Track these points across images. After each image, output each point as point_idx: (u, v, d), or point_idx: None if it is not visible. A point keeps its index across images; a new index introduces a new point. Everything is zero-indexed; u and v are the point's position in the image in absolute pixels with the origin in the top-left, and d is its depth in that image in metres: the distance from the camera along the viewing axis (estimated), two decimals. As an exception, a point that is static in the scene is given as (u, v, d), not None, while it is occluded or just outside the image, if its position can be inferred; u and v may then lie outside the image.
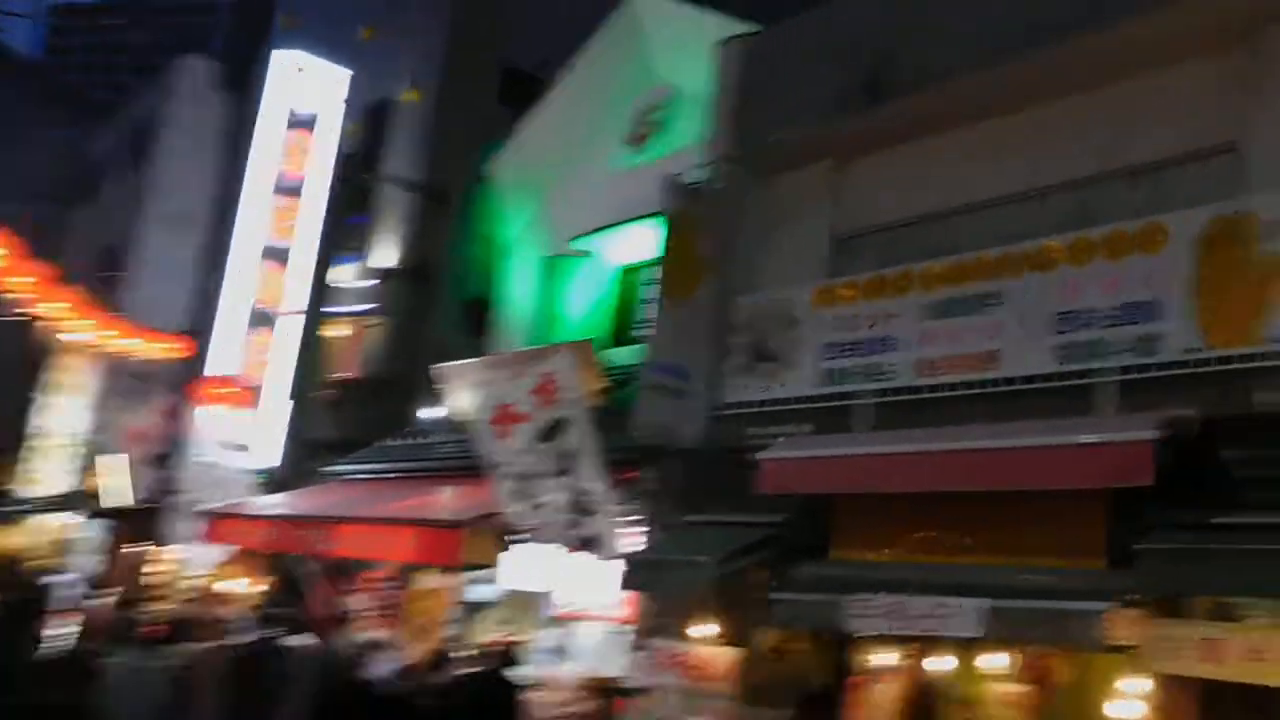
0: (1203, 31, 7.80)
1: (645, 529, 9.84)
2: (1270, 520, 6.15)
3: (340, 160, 17.21)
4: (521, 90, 17.24)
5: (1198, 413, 6.64)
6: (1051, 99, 8.68)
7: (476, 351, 14.97)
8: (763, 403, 9.45)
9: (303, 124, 17.64)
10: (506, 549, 9.99)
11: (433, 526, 10.06)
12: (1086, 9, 8.19)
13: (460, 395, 13.20)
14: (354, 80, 18.58)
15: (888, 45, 9.63)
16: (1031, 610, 6.73)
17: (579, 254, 14.21)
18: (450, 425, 13.53)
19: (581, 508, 9.55)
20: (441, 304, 16.32)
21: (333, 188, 16.85)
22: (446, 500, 11.25)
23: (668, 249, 10.04)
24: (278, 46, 19.06)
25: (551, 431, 9.80)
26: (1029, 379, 7.71)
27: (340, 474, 14.17)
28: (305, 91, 17.94)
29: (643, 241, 13.42)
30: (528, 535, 9.60)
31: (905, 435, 8.02)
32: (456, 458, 12.55)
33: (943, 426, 7.97)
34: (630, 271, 13.94)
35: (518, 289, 15.35)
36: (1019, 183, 8.86)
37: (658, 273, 12.41)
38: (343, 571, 13.75)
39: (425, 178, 17.20)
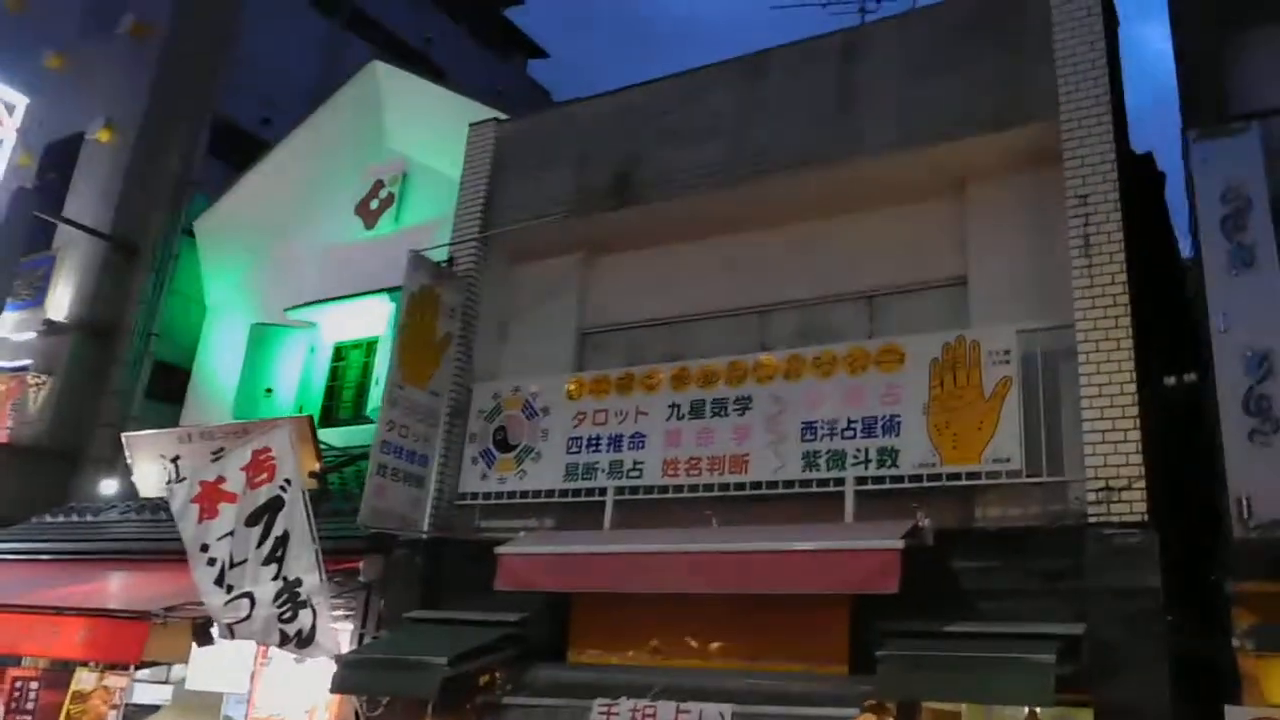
0: (921, 180, 8.57)
1: (364, 625, 9.10)
2: (993, 630, 6.56)
3: (16, 194, 15.20)
4: (238, 145, 16.20)
5: (933, 525, 7.03)
6: (789, 223, 9.20)
7: (168, 421, 13.53)
8: (502, 494, 9.11)
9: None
10: (202, 643, 8.84)
11: (112, 617, 8.72)
12: (817, 146, 8.80)
13: (149, 468, 11.82)
14: (37, 110, 16.68)
15: (634, 149, 9.85)
16: (775, 716, 6.74)
17: (294, 325, 13.26)
18: (131, 501, 12.04)
19: (292, 599, 8.66)
20: (125, 365, 14.61)
21: (3, 224, 14.81)
22: (124, 587, 9.87)
23: (405, 327, 9.52)
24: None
25: (262, 514, 8.89)
26: (773, 484, 7.91)
27: (-19, 553, 12.14)
28: (-27, 112, 15.90)
29: (365, 317, 12.78)
30: (227, 629, 8.54)
31: (652, 535, 7.94)
32: (136, 539, 11.14)
33: (689, 527, 7.98)
34: (350, 348, 13.19)
35: (222, 356, 14.08)
36: (758, 296, 9.27)
37: (389, 350, 11.85)
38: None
39: (114, 224, 15.56)
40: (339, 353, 13.21)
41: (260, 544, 8.69)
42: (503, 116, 11.29)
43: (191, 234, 15.08)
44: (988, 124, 8.11)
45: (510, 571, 8.07)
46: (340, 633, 8.89)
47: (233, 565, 8.61)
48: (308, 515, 8.72)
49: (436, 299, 9.85)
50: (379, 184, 13.52)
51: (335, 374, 13.12)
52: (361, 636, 9.21)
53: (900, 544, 6.60)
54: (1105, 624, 6.35)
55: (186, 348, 14.69)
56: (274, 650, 9.12)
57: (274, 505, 8.81)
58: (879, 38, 9.10)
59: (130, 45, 16.90)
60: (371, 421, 11.72)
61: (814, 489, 7.74)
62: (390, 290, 12.13)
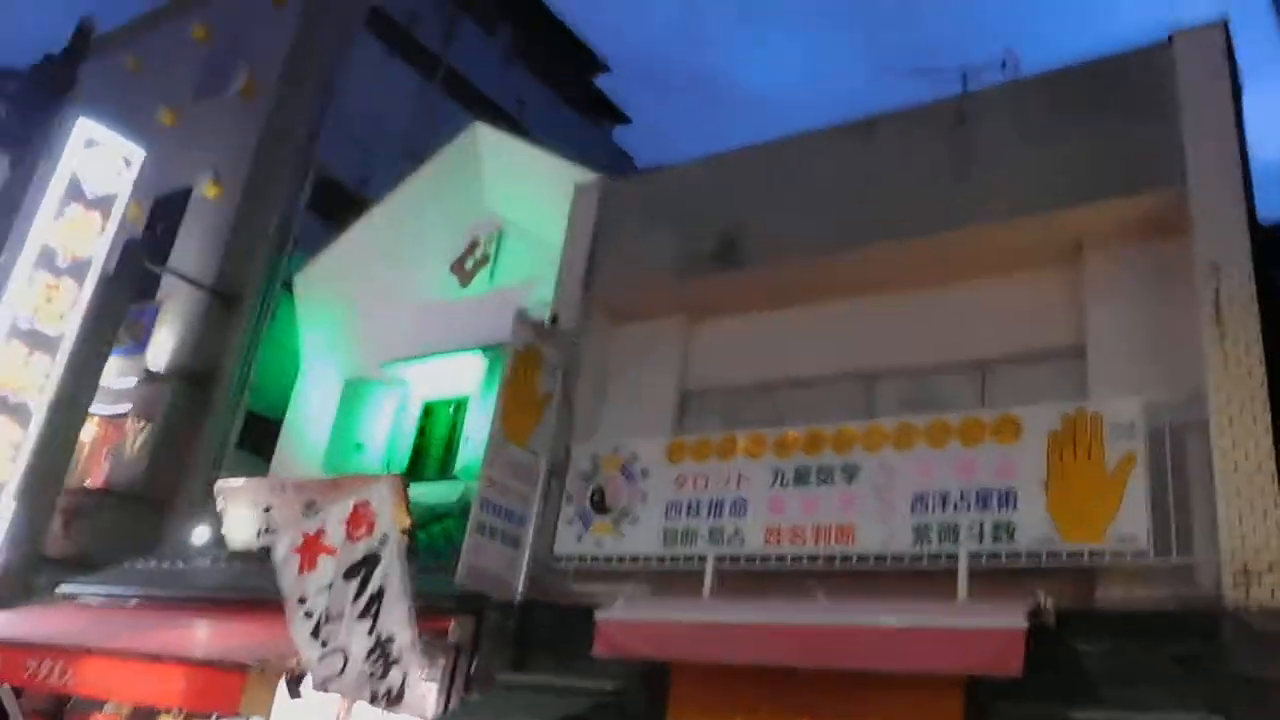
0: (1035, 247, 8.37)
1: (451, 686, 8.97)
2: (1124, 716, 6.23)
3: (127, 246, 15.67)
4: (337, 202, 16.56)
5: (1053, 604, 6.73)
6: (896, 289, 9.05)
7: (256, 471, 13.67)
8: (598, 557, 8.97)
9: (85, 199, 15.99)
10: (294, 695, 8.77)
11: (211, 667, 8.72)
12: (928, 214, 8.66)
13: (241, 516, 11.92)
14: (149, 164, 17.23)
15: (739, 213, 9.81)
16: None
17: (387, 380, 13.38)
18: (221, 549, 12.13)
19: (384, 656, 8.59)
20: (219, 414, 14.87)
21: (114, 274, 15.27)
22: (218, 636, 9.89)
23: (508, 384, 9.50)
24: (70, 112, 17.48)
25: (359, 568, 8.87)
26: (881, 556, 7.66)
27: (78, 596, 12.30)
28: (94, 165, 16.39)
29: (456, 375, 12.84)
30: (321, 682, 8.48)
31: (756, 605, 7.73)
32: (227, 587, 11.20)
33: (792, 598, 7.76)
34: (439, 405, 13.24)
35: (312, 409, 14.25)
36: (863, 363, 9.10)
37: (481, 408, 11.90)
38: (58, 711, 11.87)
39: (216, 277, 15.98)
40: (427, 410, 13.26)
41: (356, 598, 8.66)
42: (601, 177, 11.36)
43: (290, 288, 15.39)
44: (1109, 189, 7.91)
45: (608, 638, 7.90)
46: (430, 693, 8.77)
47: (328, 619, 8.58)
48: (403, 572, 8.68)
49: (539, 357, 9.85)
50: (474, 243, 13.65)
51: (422, 431, 13.17)
52: (449, 698, 9.08)
53: (1024, 624, 6.32)
54: (1245, 716, 5.98)
55: (278, 400, 14.90)
56: (358, 705, 9.05)
57: (371, 560, 8.79)
58: (992, 104, 9.00)
59: (239, 103, 17.49)
60: (457, 479, 11.77)
61: (925, 563, 7.48)
62: (485, 348, 12.22)
